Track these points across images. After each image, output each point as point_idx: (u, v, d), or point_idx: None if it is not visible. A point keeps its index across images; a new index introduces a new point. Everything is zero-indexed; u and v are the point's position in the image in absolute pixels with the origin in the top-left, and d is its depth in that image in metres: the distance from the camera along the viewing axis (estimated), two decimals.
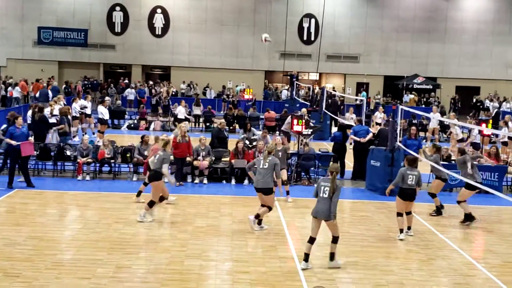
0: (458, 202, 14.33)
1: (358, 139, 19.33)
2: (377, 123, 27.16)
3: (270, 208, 13.09)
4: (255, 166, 13.21)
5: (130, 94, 40.06)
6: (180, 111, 29.36)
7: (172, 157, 15.55)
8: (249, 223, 13.08)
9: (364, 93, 44.43)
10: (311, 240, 10.69)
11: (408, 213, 12.89)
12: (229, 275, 10.17)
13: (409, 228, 12.94)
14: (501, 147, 23.01)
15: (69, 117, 22.43)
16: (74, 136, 24.12)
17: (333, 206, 10.55)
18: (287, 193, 16.03)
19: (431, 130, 29.17)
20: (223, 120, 20.59)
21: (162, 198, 13.86)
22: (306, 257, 10.61)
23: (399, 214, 12.76)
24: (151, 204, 13.50)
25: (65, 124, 20.93)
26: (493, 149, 19.19)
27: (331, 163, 11.99)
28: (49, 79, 40.11)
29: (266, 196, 13.00)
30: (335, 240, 10.78)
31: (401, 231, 12.73)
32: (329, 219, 10.61)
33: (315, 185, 11.04)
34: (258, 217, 13.08)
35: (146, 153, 18.07)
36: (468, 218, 14.24)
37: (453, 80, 47.30)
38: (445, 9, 47.08)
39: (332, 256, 10.78)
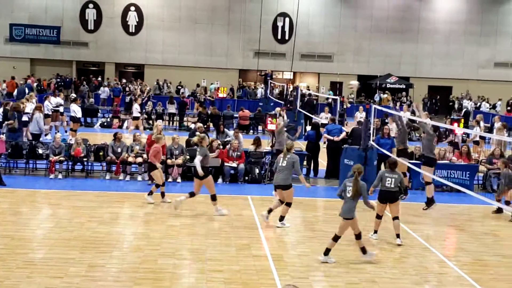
0: (427, 183, 14.82)
1: (331, 138, 19.41)
2: (358, 122, 27.20)
3: (289, 205, 13.46)
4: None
5: (103, 92, 39.76)
6: (136, 108, 28.50)
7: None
8: (263, 219, 13.54)
9: (330, 92, 44.60)
10: (335, 238, 11.03)
11: (394, 218, 12.43)
12: (202, 273, 10.15)
13: (397, 236, 12.38)
14: (472, 146, 23.25)
15: (41, 114, 22.12)
16: (46, 134, 23.89)
17: (367, 203, 11.20)
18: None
19: None
20: (200, 124, 20.32)
21: (192, 194, 14.23)
22: (327, 252, 11.02)
23: (378, 216, 12.56)
24: (214, 197, 14.17)
25: (15, 120, 20.30)
26: (464, 148, 19.41)
27: (356, 164, 12.01)
28: (28, 77, 39.83)
29: (286, 191, 13.38)
30: (357, 237, 11.05)
31: (375, 232, 12.69)
32: (350, 218, 10.92)
33: (341, 185, 11.49)
34: (271, 211, 13.54)
35: (119, 150, 17.97)
36: (430, 202, 14.67)
37: (426, 80, 47.75)
38: (418, 10, 47.50)
39: (363, 250, 11.06)
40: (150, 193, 14.98)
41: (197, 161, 14.02)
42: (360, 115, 27.95)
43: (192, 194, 14.18)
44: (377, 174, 13.09)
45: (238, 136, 20.47)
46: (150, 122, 29.84)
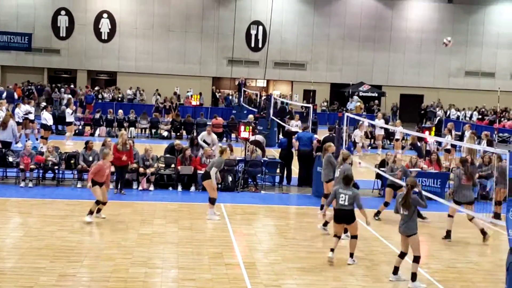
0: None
1: (297, 145, 19.44)
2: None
3: None
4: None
5: (65, 99, 38.37)
6: (68, 113, 27.55)
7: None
8: (322, 231, 13.59)
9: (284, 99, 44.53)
10: (401, 255, 10.84)
11: (353, 237, 11.73)
12: (175, 282, 10.10)
13: (351, 255, 11.67)
14: (443, 154, 23.47)
15: (14, 122, 21.86)
16: (17, 142, 23.59)
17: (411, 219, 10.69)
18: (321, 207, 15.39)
19: (377, 136, 29.56)
20: (179, 142, 20.00)
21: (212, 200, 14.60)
22: (395, 270, 10.78)
23: (335, 235, 11.75)
24: (212, 201, 14.48)
25: None
26: (434, 156, 19.56)
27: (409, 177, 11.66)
28: (15, 84, 39.82)
29: None
30: (415, 259, 10.62)
31: (332, 250, 11.60)
32: (408, 235, 10.69)
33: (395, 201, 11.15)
34: (326, 224, 13.62)
35: (90, 158, 17.81)
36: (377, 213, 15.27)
37: (398, 88, 48.17)
38: (389, 18, 47.96)
39: (413, 277, 10.55)
40: (90, 212, 13.85)
41: (213, 172, 14.38)
42: (296, 123, 27.74)
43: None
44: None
45: (211, 134, 20.50)
46: (122, 129, 29.60)
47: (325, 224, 13.68)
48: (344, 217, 11.59)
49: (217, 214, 14.79)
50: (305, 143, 19.34)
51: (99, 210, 14.16)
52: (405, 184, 11.02)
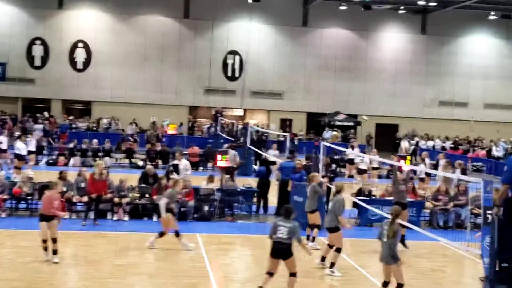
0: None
1: (279, 175, 19.40)
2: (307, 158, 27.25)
3: (339, 250, 12.92)
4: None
5: (37, 130, 35.93)
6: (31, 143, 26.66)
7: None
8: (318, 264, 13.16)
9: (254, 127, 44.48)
10: (385, 284, 10.69)
11: (291, 275, 10.89)
12: None
13: None
14: (418, 183, 23.58)
15: None
16: None
17: (393, 248, 10.53)
18: (313, 239, 15.06)
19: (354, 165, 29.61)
20: (151, 167, 19.94)
21: (162, 234, 14.24)
22: None
23: (269, 273, 10.92)
24: (176, 234, 14.23)
25: None
26: (410, 184, 19.60)
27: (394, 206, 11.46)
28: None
29: (332, 234, 13.02)
30: (399, 287, 10.54)
31: None
32: (388, 264, 10.54)
33: (379, 228, 10.96)
34: (324, 260, 13.22)
35: (65, 189, 17.60)
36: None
37: (373, 118, 48.48)
38: (365, 49, 48.45)
39: None
40: (53, 252, 12.86)
41: (163, 203, 14.15)
42: (273, 153, 27.85)
43: (162, 234, 14.22)
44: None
45: (181, 160, 20.40)
46: (96, 159, 29.38)
47: (323, 259, 13.40)
48: (282, 251, 10.72)
49: (150, 244, 14.28)
50: (288, 172, 19.28)
51: (46, 249, 12.86)
52: (390, 213, 10.95)
